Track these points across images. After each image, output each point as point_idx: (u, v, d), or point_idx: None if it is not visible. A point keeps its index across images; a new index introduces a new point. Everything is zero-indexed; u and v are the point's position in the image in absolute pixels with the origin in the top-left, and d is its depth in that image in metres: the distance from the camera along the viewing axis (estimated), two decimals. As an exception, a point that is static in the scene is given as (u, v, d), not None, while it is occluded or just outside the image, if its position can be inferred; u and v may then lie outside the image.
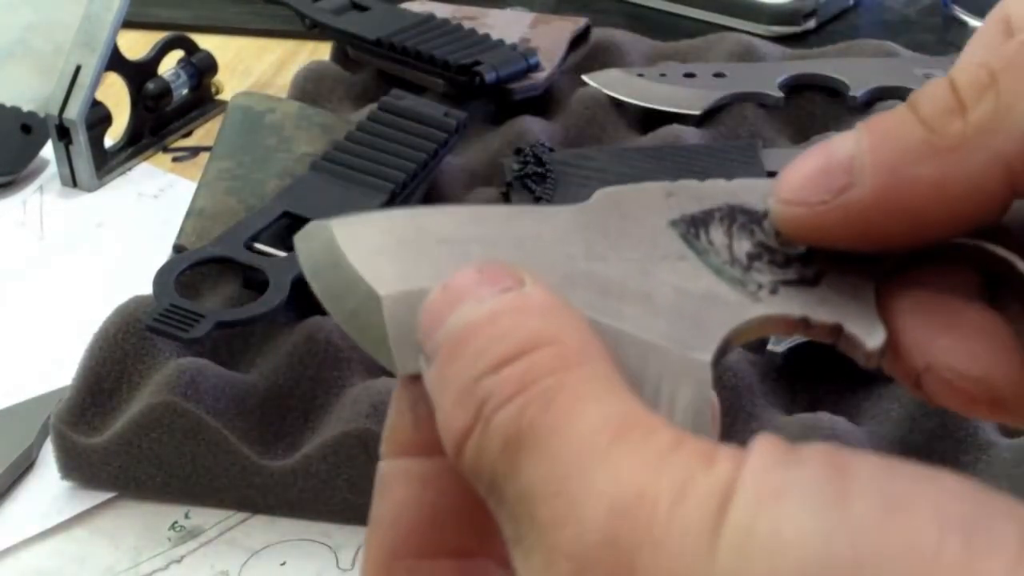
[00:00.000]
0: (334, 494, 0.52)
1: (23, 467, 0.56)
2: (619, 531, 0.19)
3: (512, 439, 0.21)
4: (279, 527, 0.53)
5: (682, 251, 0.25)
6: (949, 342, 0.24)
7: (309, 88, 0.81)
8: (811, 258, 0.25)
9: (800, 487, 0.19)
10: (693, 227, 0.25)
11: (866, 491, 0.18)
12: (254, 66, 0.91)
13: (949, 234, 0.24)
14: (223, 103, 0.83)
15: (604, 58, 0.83)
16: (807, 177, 0.24)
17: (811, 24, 0.93)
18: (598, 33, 0.85)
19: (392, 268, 0.24)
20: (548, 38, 0.83)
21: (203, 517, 0.54)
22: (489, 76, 0.75)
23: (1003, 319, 0.25)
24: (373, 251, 0.25)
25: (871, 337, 0.24)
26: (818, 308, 0.24)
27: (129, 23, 0.79)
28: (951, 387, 0.24)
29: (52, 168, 0.78)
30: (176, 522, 0.54)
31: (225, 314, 0.56)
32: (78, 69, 0.75)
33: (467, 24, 0.82)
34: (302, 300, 0.59)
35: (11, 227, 0.74)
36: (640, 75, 0.78)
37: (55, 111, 0.75)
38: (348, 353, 0.56)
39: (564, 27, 0.84)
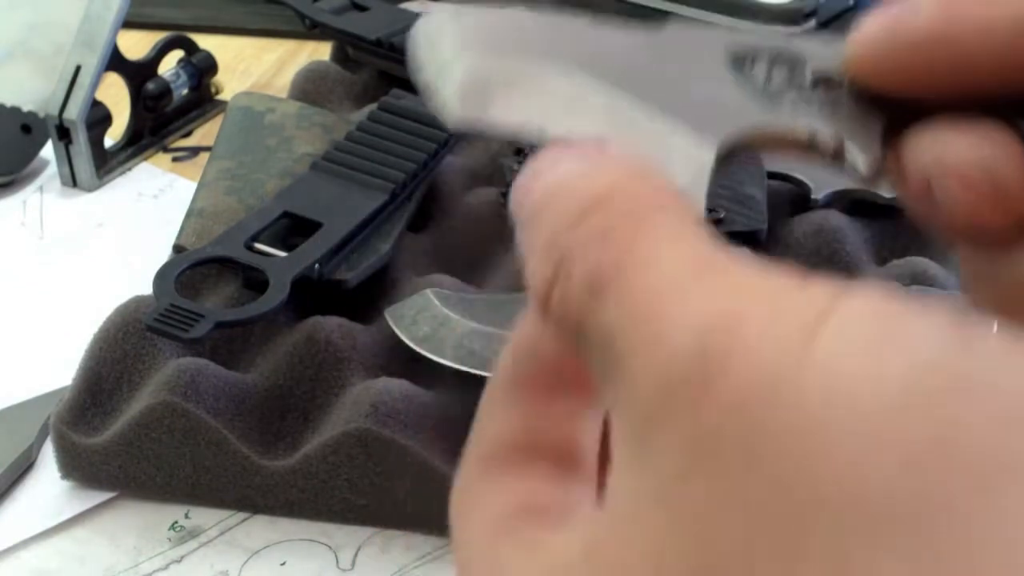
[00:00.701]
0: (334, 494, 0.52)
1: (23, 467, 0.56)
2: (708, 343, 0.19)
3: (595, 282, 0.21)
4: (279, 527, 0.53)
5: (724, 74, 0.27)
6: (956, 135, 0.25)
7: (309, 88, 0.81)
8: (835, 94, 0.27)
9: (917, 320, 0.18)
10: (741, 59, 0.28)
11: (988, 338, 0.18)
12: (254, 66, 0.91)
13: (998, 83, 0.25)
14: (223, 103, 0.83)
15: (604, 58, 0.83)
16: (875, 19, 0.26)
17: (811, 24, 0.93)
18: (598, 33, 0.85)
19: (480, 44, 0.28)
20: (548, 38, 0.82)
21: (203, 517, 0.54)
22: (489, 76, 0.75)
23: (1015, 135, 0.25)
24: (473, 27, 0.29)
25: (866, 158, 0.26)
26: (825, 127, 0.26)
27: (129, 23, 0.79)
28: (958, 178, 0.24)
29: (52, 168, 0.78)
30: (176, 522, 0.54)
31: (225, 314, 0.56)
32: (78, 69, 0.75)
33: (467, 24, 0.82)
34: (302, 300, 0.59)
35: (11, 227, 0.74)
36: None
37: (55, 111, 0.75)
38: (348, 353, 0.56)
39: (564, 27, 0.84)
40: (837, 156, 0.26)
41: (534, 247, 0.22)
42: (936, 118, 0.26)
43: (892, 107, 0.26)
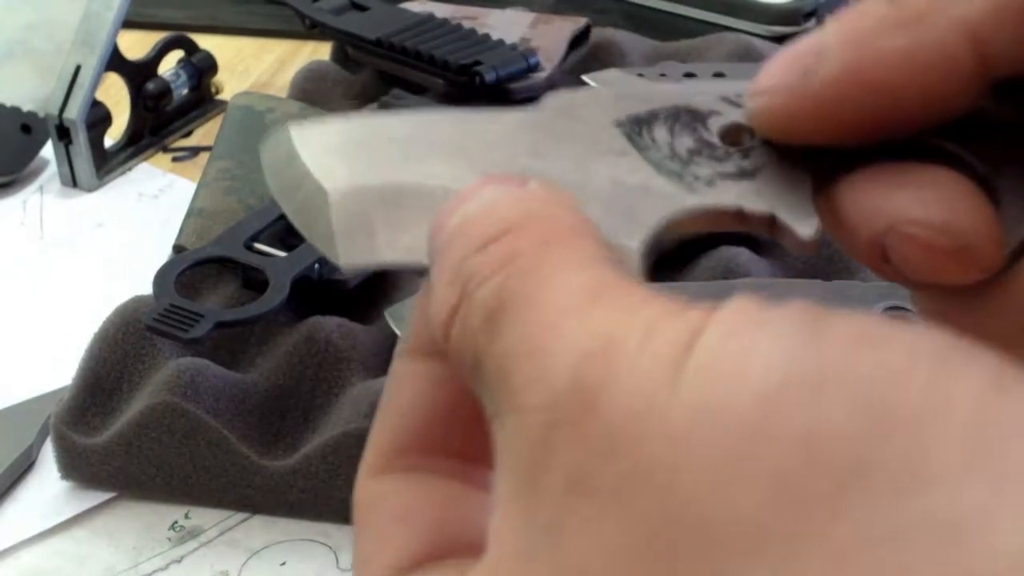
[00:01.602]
0: (334, 494, 0.52)
1: (23, 467, 0.56)
2: (585, 374, 0.18)
3: (492, 310, 0.20)
4: (279, 527, 0.53)
5: (624, 147, 0.25)
6: (907, 194, 0.23)
7: (309, 88, 0.81)
8: (750, 153, 0.25)
9: (771, 324, 0.18)
10: (637, 125, 0.25)
11: (839, 328, 0.18)
12: (254, 66, 0.91)
13: (920, 118, 0.23)
14: (223, 103, 0.83)
15: (604, 58, 0.83)
16: (777, 66, 0.24)
17: (811, 24, 0.93)
18: (598, 33, 0.85)
19: (342, 165, 0.25)
20: (548, 38, 0.83)
21: (203, 517, 0.54)
22: (489, 76, 0.75)
23: (960, 174, 0.24)
24: (326, 150, 0.25)
25: (804, 226, 0.24)
26: (753, 199, 0.24)
27: (129, 23, 0.79)
28: (916, 242, 0.23)
29: (52, 168, 0.78)
30: (176, 522, 0.54)
31: (225, 314, 0.56)
32: (78, 69, 0.75)
33: (467, 24, 0.82)
34: (302, 300, 0.59)
35: (11, 227, 0.74)
36: (640, 75, 0.78)
37: (55, 111, 0.75)
38: (348, 353, 0.56)
39: (564, 27, 0.84)
40: (772, 226, 0.24)
41: (440, 272, 0.22)
42: (870, 167, 0.24)
43: (816, 156, 0.24)
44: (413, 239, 0.24)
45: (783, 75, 0.24)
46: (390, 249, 0.24)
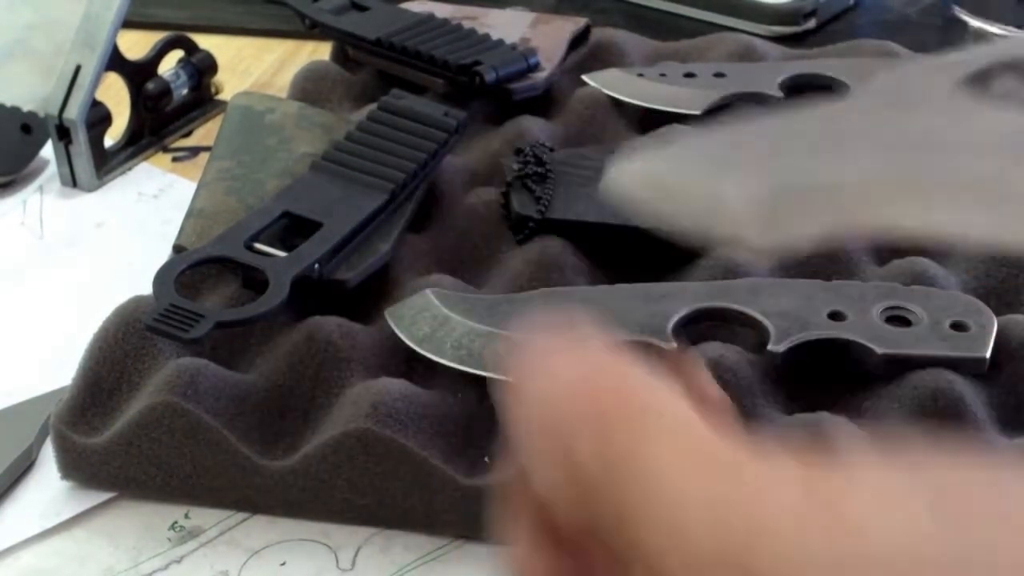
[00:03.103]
0: (334, 494, 0.52)
1: (23, 467, 0.56)
2: (722, 534, 0.21)
3: (602, 488, 0.23)
4: (279, 527, 0.53)
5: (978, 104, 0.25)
6: None
7: (309, 88, 0.81)
8: None
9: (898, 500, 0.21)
10: (978, 82, 0.26)
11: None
12: (254, 66, 0.91)
13: None
14: (223, 103, 0.83)
15: (604, 58, 0.83)
16: None
17: (811, 24, 0.93)
18: (598, 33, 0.85)
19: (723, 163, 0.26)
20: (548, 38, 0.83)
21: (203, 517, 0.54)
22: (489, 76, 0.75)
23: None
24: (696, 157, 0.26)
25: None
26: None
27: (129, 23, 0.79)
28: None
29: (52, 168, 0.78)
30: (176, 522, 0.54)
31: (225, 314, 0.56)
32: (78, 69, 0.75)
33: (467, 24, 0.82)
34: (302, 300, 0.59)
35: (11, 227, 0.74)
36: (640, 75, 0.78)
37: (55, 111, 0.75)
38: (348, 353, 0.56)
39: (564, 27, 0.84)
40: None
41: (538, 459, 0.25)
42: None
43: None
44: (827, 220, 0.25)
45: None
46: (803, 224, 0.25)
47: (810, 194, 0.25)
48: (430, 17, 0.83)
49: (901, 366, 0.54)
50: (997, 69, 0.26)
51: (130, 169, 0.79)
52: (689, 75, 0.78)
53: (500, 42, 0.79)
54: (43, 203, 0.76)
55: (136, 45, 0.81)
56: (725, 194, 0.25)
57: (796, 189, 0.25)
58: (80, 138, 0.75)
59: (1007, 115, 0.25)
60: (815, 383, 0.55)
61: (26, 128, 0.79)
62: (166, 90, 0.81)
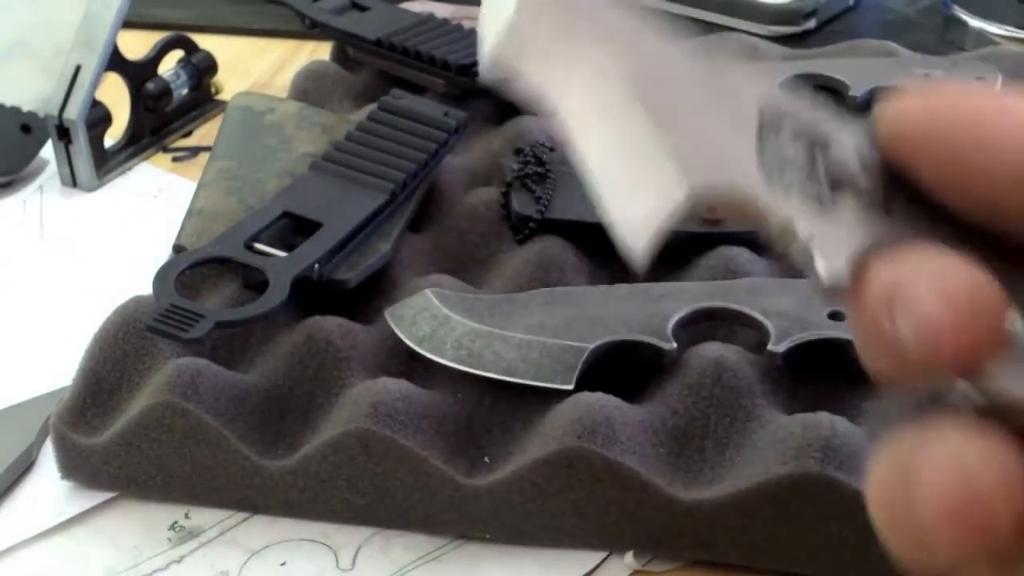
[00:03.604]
0: (334, 494, 0.52)
1: (23, 467, 0.56)
2: None
3: None
4: (279, 527, 0.53)
5: (747, 122, 0.25)
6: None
7: (309, 88, 0.81)
8: (848, 189, 0.25)
9: None
10: (772, 114, 0.25)
11: None
12: (254, 66, 0.91)
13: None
14: (223, 103, 0.83)
15: (604, 58, 0.83)
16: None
17: (811, 24, 0.93)
18: (598, 33, 0.85)
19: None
20: (548, 38, 0.82)
21: (203, 517, 0.54)
22: (489, 76, 0.75)
23: None
24: None
25: (829, 263, 0.24)
26: (804, 220, 0.24)
27: (129, 23, 0.79)
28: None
29: (52, 168, 0.78)
30: (176, 522, 0.54)
31: (225, 314, 0.56)
32: (78, 69, 0.75)
33: (467, 24, 0.82)
34: (302, 300, 0.59)
35: (11, 227, 0.74)
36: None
37: (55, 111, 0.75)
38: (348, 353, 0.56)
39: (564, 27, 0.84)
40: (799, 253, 0.24)
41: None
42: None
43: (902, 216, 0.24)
44: (548, 74, 0.24)
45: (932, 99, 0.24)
46: (531, 70, 0.25)
47: (562, 44, 0.25)
48: (430, 17, 0.83)
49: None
50: (794, 125, 0.25)
51: (130, 169, 0.79)
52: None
53: (500, 42, 0.79)
54: (43, 203, 0.76)
55: (136, 45, 0.81)
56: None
57: (559, 28, 0.25)
58: (80, 138, 0.75)
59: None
60: (815, 383, 0.55)
61: (26, 128, 0.79)
62: (166, 90, 0.81)
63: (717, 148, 0.25)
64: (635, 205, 0.24)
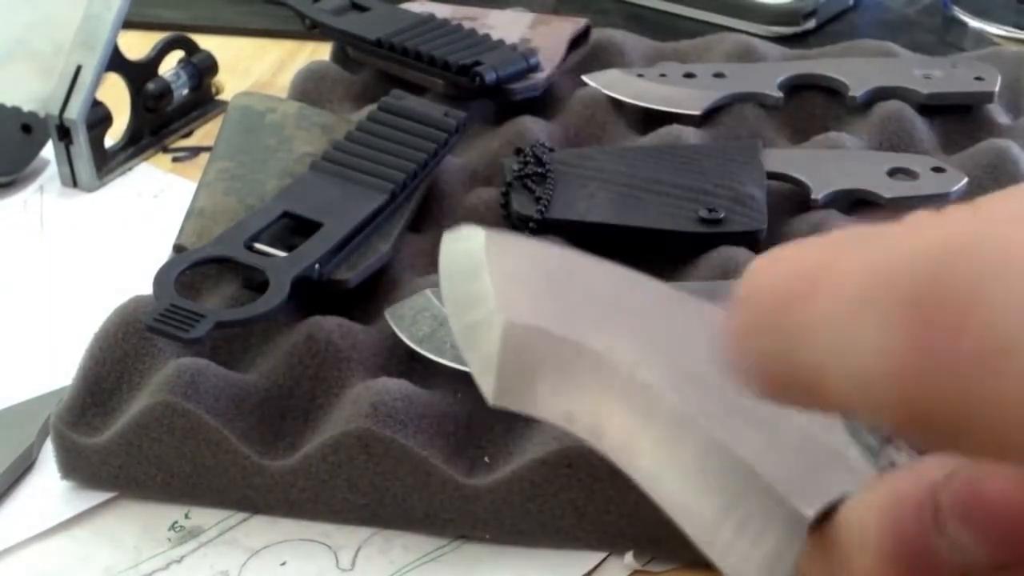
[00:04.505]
0: (334, 494, 0.52)
1: (23, 467, 0.56)
2: None
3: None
4: (279, 527, 0.53)
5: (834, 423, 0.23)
6: None
7: (309, 88, 0.81)
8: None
9: None
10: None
11: None
12: (254, 66, 0.91)
13: None
14: (223, 103, 0.83)
15: (604, 58, 0.83)
16: None
17: (811, 24, 0.93)
18: (598, 33, 0.85)
19: (527, 301, 0.23)
20: (548, 38, 0.83)
21: (203, 517, 0.54)
22: (489, 76, 0.75)
23: None
24: (514, 277, 0.23)
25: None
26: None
27: (129, 23, 0.79)
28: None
29: (52, 168, 0.78)
30: (176, 522, 0.54)
31: (225, 314, 0.56)
32: (78, 69, 0.75)
33: (467, 24, 0.82)
34: (302, 300, 0.59)
35: (11, 227, 0.74)
36: (640, 75, 0.78)
37: (55, 111, 0.75)
38: (348, 353, 0.56)
39: (564, 27, 0.84)
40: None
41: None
42: None
43: None
44: (571, 404, 0.22)
45: None
46: (545, 406, 0.22)
47: (571, 362, 0.22)
48: (430, 17, 0.83)
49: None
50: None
51: (130, 169, 0.79)
52: (689, 75, 0.78)
53: (500, 42, 0.79)
54: (43, 203, 0.76)
55: (136, 45, 0.81)
56: (489, 328, 0.22)
57: (559, 352, 0.22)
58: (80, 138, 0.75)
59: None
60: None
61: (26, 128, 0.79)
62: (166, 90, 0.81)
63: (811, 450, 0.22)
64: (762, 545, 0.21)
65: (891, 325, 0.18)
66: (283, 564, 0.52)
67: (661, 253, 0.63)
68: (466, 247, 0.23)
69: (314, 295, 0.59)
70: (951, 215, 0.19)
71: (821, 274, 0.19)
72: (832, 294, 0.19)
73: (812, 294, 0.19)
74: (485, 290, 0.23)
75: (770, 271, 0.20)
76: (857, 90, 0.76)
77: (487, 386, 0.23)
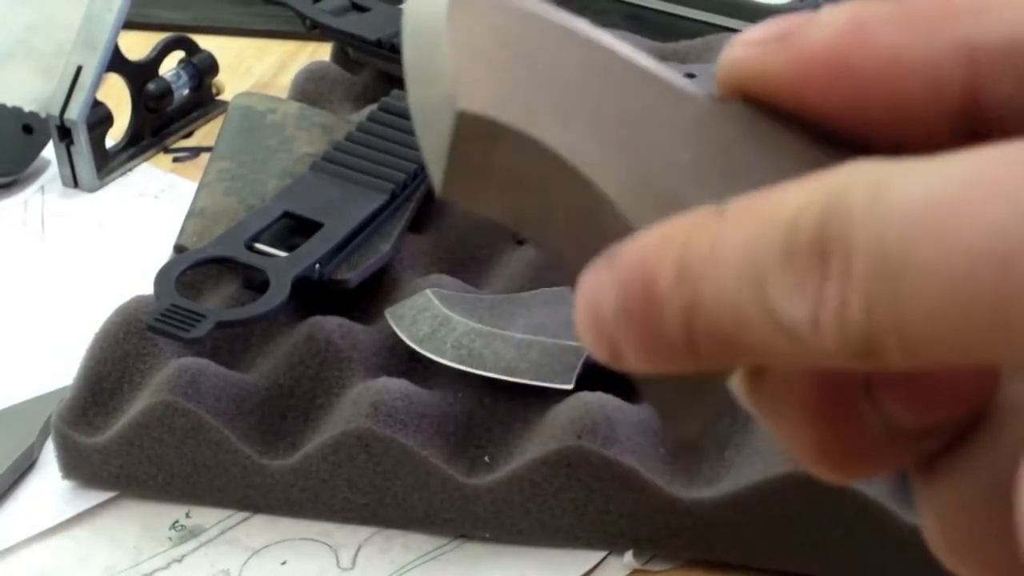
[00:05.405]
0: (334, 494, 0.53)
1: (24, 467, 0.56)
2: None
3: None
4: (279, 527, 0.53)
5: None
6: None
7: (309, 88, 0.81)
8: None
9: None
10: None
11: None
12: (255, 67, 0.91)
13: (892, 114, 0.22)
14: (224, 104, 0.83)
15: (604, 58, 0.83)
16: (766, 25, 0.24)
17: (811, 24, 0.93)
18: (598, 33, 0.85)
19: (488, 82, 0.21)
20: (548, 38, 0.83)
21: (204, 516, 0.54)
22: (489, 76, 0.75)
23: None
24: (477, 51, 0.21)
25: None
26: None
27: (130, 24, 0.79)
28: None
29: (53, 168, 0.78)
30: (177, 521, 0.54)
31: (225, 314, 0.56)
32: (79, 69, 0.75)
33: (467, 25, 0.82)
34: (302, 300, 0.59)
35: (12, 227, 0.74)
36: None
37: (56, 111, 0.75)
38: (348, 353, 0.56)
39: (564, 27, 0.84)
40: None
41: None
42: None
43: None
44: (520, 204, 0.21)
45: (768, 31, 0.24)
46: (496, 202, 0.21)
47: (528, 157, 0.20)
48: (430, 18, 0.83)
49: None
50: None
51: (131, 170, 0.79)
52: (689, 75, 0.78)
53: (500, 43, 0.79)
54: (44, 203, 0.76)
55: (137, 46, 0.82)
56: (442, 112, 0.20)
57: (521, 143, 0.20)
58: (81, 139, 0.75)
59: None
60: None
61: (27, 129, 0.79)
62: (167, 91, 0.81)
63: None
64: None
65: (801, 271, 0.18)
66: (284, 563, 0.52)
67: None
68: (429, 9, 0.21)
69: (314, 295, 0.60)
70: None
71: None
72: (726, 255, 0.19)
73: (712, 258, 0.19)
74: (442, 67, 0.21)
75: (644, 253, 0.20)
76: (857, 90, 0.76)
77: (435, 177, 0.21)
